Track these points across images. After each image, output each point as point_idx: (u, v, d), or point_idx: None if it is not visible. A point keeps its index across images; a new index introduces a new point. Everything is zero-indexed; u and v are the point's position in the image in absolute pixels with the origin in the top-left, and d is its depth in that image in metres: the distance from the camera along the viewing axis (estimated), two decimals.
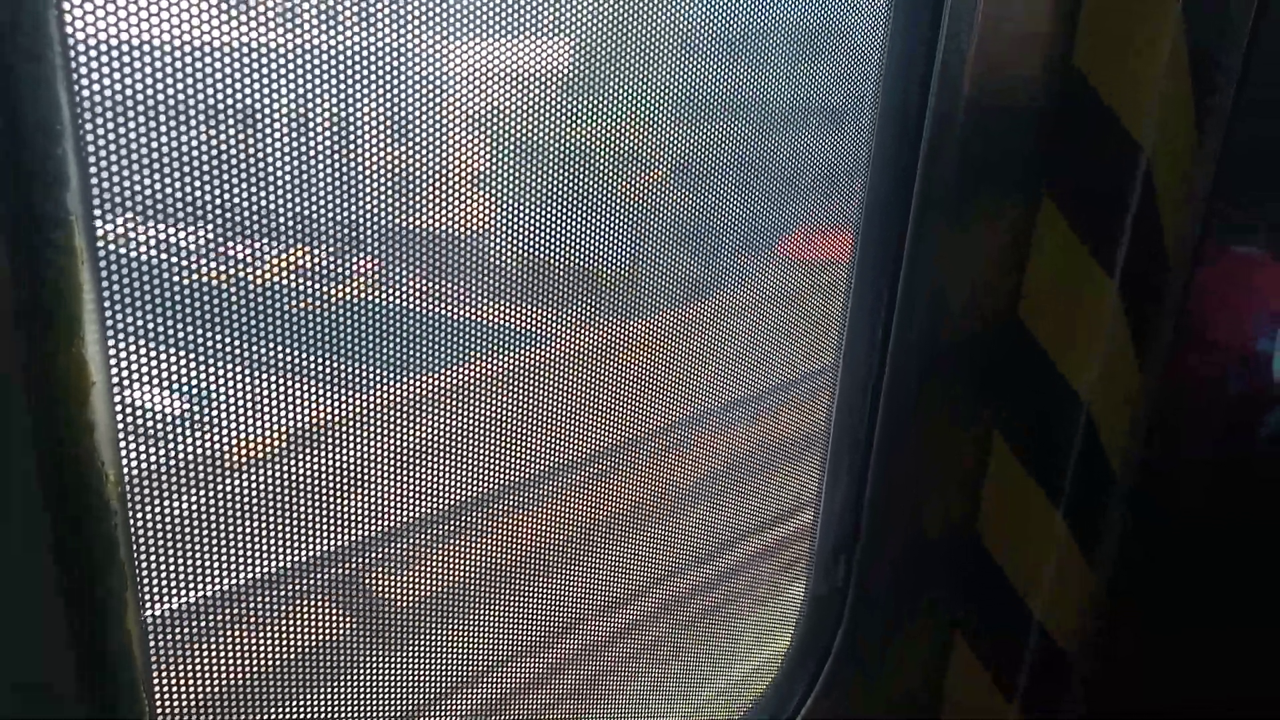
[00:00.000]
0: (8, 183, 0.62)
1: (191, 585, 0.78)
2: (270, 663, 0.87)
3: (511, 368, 1.04)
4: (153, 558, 0.75)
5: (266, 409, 0.80)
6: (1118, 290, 1.78)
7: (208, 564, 0.79)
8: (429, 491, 0.95)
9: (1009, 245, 1.74)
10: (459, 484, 0.99)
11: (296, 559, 0.86)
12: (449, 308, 0.93)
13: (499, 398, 1.03)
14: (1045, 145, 1.69)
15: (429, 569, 1.00)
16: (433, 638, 1.02)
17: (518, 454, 1.06)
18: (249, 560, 0.82)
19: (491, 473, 1.03)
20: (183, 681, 0.80)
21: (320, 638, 0.90)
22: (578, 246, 1.04)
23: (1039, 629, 1.97)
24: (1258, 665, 2.08)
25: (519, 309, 1.01)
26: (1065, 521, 1.90)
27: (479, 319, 0.96)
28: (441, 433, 0.96)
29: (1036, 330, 1.81)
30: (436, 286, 0.91)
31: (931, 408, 1.70)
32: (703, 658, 1.51)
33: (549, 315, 1.04)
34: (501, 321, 0.99)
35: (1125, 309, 1.81)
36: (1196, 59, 1.70)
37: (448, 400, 0.96)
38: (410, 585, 0.99)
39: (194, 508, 0.77)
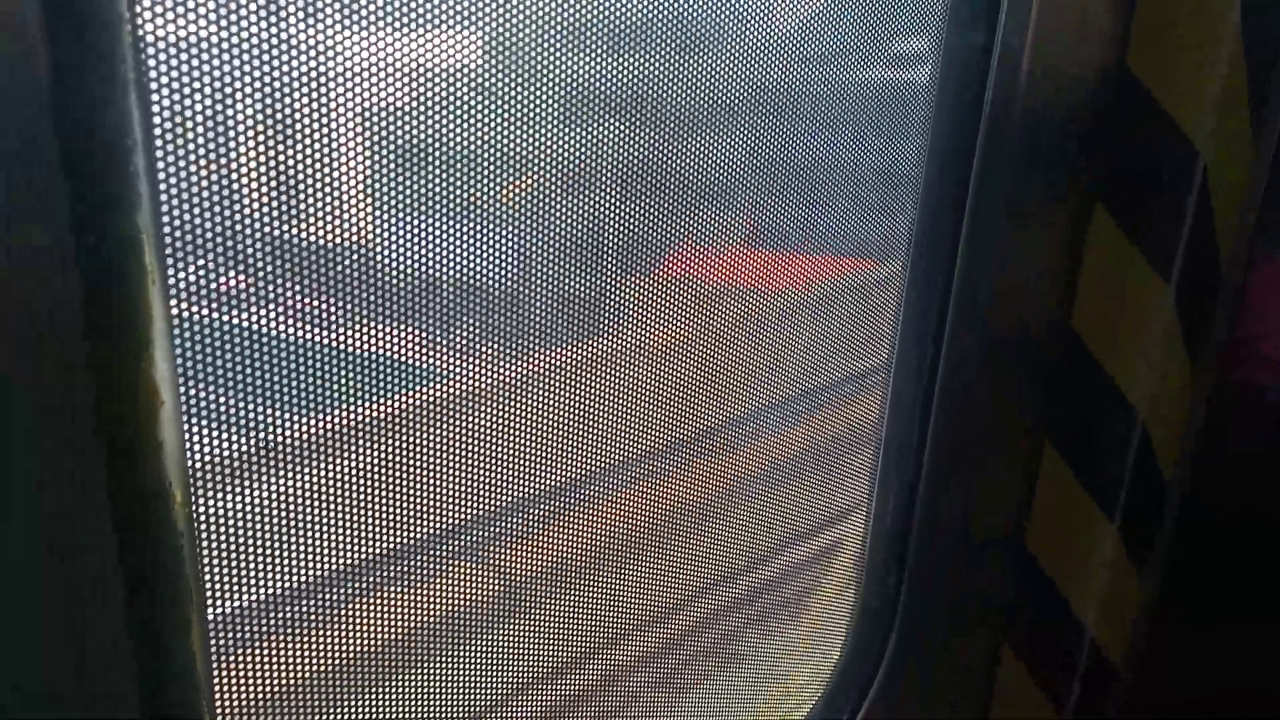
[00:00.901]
0: (79, 201, 0.61)
1: (257, 606, 0.78)
2: (336, 682, 0.86)
3: (561, 368, 1.03)
4: (219, 578, 0.75)
5: (336, 430, 0.79)
6: (1173, 297, 1.74)
7: (274, 584, 0.79)
8: (492, 504, 0.94)
9: (1062, 252, 1.71)
10: (525, 488, 0.98)
11: (364, 580, 0.85)
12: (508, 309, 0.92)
13: (549, 399, 1.02)
14: (1099, 150, 1.66)
15: (491, 581, 0.99)
16: (492, 649, 1.01)
17: (562, 460, 1.05)
18: (316, 581, 0.82)
19: (543, 477, 1.02)
20: (246, 702, 0.80)
21: (388, 660, 0.90)
22: (633, 240, 1.03)
23: (1090, 641, 1.94)
24: None
25: (568, 307, 1.00)
26: (1118, 532, 1.87)
27: (535, 317, 0.96)
28: (506, 437, 0.96)
29: (1089, 338, 1.78)
30: (497, 293, 0.91)
31: (983, 416, 1.68)
32: (753, 670, 1.49)
33: (599, 313, 1.03)
34: (548, 319, 0.98)
35: (1180, 316, 1.77)
36: (1254, 62, 1.67)
37: (517, 406, 0.95)
38: (469, 599, 0.98)
39: (261, 529, 0.77)
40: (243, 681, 0.80)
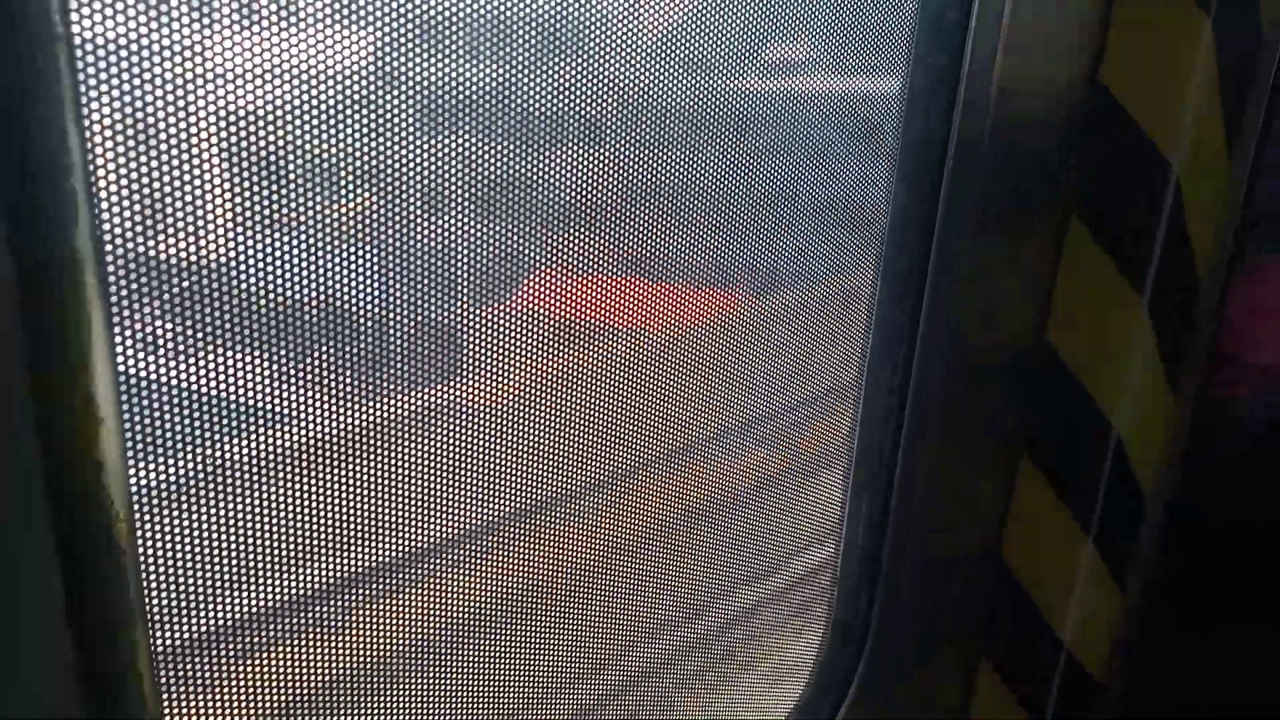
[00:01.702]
0: (17, 220, 0.61)
1: (202, 623, 0.77)
2: (283, 700, 0.85)
3: (518, 386, 1.02)
4: (163, 595, 0.74)
5: (277, 447, 0.79)
6: (1147, 309, 1.75)
7: (219, 602, 0.78)
8: (437, 518, 0.94)
9: (1037, 266, 1.71)
10: (461, 512, 0.97)
11: (308, 593, 0.85)
12: (458, 324, 0.92)
13: (503, 421, 1.01)
14: (1073, 164, 1.67)
15: (437, 597, 0.99)
16: (441, 666, 1.00)
17: (524, 482, 1.04)
18: (260, 597, 0.81)
19: (504, 497, 1.02)
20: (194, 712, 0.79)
21: (333, 673, 0.89)
22: (597, 258, 1.03)
23: (1067, 655, 1.94)
24: None
25: (524, 322, 0.99)
26: (1095, 546, 1.87)
27: (479, 337, 0.95)
28: (456, 452, 0.95)
29: (1065, 352, 1.78)
30: (450, 303, 0.90)
31: (957, 431, 1.68)
32: (724, 685, 1.49)
33: (564, 329, 1.03)
34: (504, 336, 0.98)
35: (1155, 328, 1.78)
36: (1226, 72, 1.67)
37: (435, 437, 0.95)
38: (418, 614, 0.97)
39: (205, 545, 0.76)
40: (190, 699, 0.79)
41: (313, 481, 0.82)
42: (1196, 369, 1.88)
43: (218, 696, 0.81)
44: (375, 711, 0.95)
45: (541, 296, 1.00)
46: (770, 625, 1.54)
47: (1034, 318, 1.74)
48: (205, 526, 0.77)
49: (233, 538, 0.78)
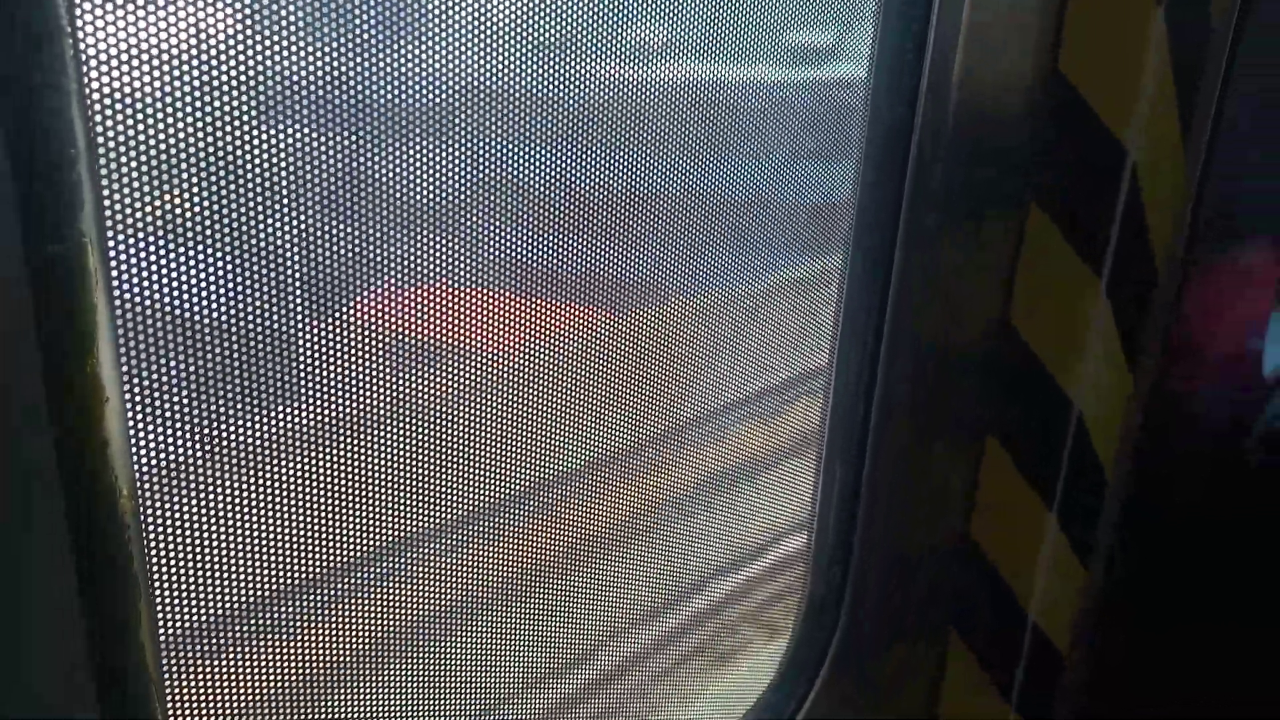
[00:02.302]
0: (24, 206, 0.63)
1: (207, 600, 0.80)
2: (287, 677, 0.88)
3: (490, 374, 1.05)
4: (167, 572, 0.77)
5: (282, 423, 0.81)
6: (1105, 292, 1.80)
7: (223, 578, 0.81)
8: (438, 503, 0.97)
9: (999, 250, 1.75)
10: (454, 498, 1.00)
11: (313, 571, 0.87)
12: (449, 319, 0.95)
13: (484, 403, 1.04)
14: (1033, 151, 1.71)
15: (444, 580, 1.01)
16: (444, 648, 1.03)
17: (502, 467, 1.07)
18: (265, 574, 0.84)
19: (485, 485, 1.05)
20: (197, 696, 0.81)
21: (340, 650, 0.92)
22: (569, 247, 1.06)
23: (1034, 629, 1.99)
24: (1250, 664, 2.09)
25: (495, 311, 1.02)
26: (1058, 523, 1.92)
27: (468, 325, 0.98)
28: (462, 430, 0.98)
29: (1028, 334, 1.83)
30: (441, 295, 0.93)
31: (925, 411, 1.72)
32: (698, 662, 1.52)
33: (535, 315, 1.05)
34: (477, 325, 1.00)
35: (1114, 311, 1.83)
36: (1179, 62, 1.72)
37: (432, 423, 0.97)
38: (425, 599, 1.00)
39: (209, 523, 0.79)
40: (194, 675, 0.81)
41: (322, 461, 0.85)
42: (1153, 352, 1.93)
43: (223, 672, 0.83)
44: (389, 691, 0.98)
45: (508, 286, 1.03)
46: (745, 604, 1.58)
47: (999, 303, 1.79)
48: (210, 505, 0.79)
49: (238, 517, 0.81)
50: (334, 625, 0.92)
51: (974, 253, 1.71)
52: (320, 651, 0.91)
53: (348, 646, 0.94)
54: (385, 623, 0.99)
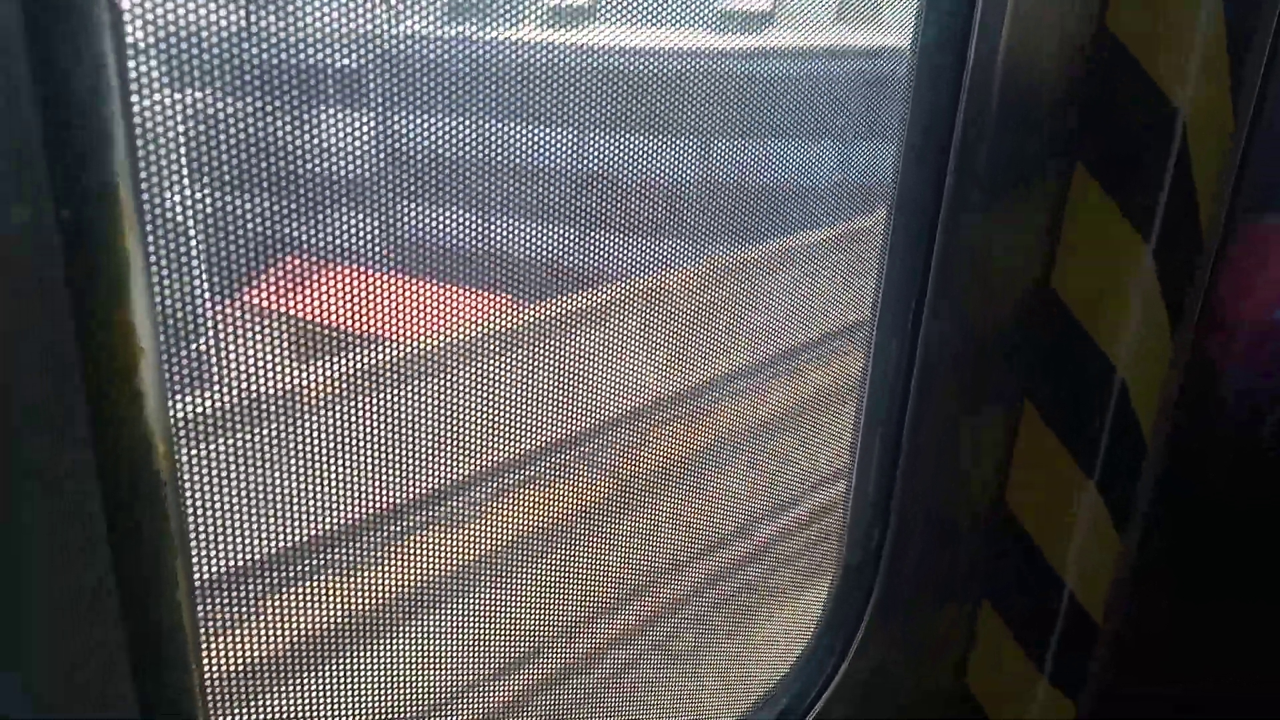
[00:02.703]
0: (54, 146, 0.60)
1: (245, 558, 0.77)
2: (326, 636, 0.86)
3: (539, 321, 1.02)
4: (205, 529, 0.74)
5: (321, 376, 0.78)
6: (1152, 255, 1.75)
7: (263, 536, 0.78)
8: (500, 450, 0.94)
9: (1043, 212, 1.71)
10: (521, 446, 0.98)
11: (354, 531, 0.85)
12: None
13: (523, 361, 1.01)
14: (1080, 109, 1.66)
15: (500, 536, 0.99)
16: (500, 610, 1.01)
17: (549, 419, 1.04)
18: (305, 533, 0.81)
19: (534, 438, 1.02)
20: (234, 654, 0.79)
21: (382, 612, 0.89)
22: (621, 192, 1.03)
23: (1070, 597, 1.96)
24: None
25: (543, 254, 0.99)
26: (1097, 489, 1.88)
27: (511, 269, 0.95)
28: (501, 389, 0.95)
29: (1070, 297, 1.78)
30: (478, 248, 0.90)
31: (963, 376, 1.69)
32: (735, 626, 1.50)
33: (583, 263, 1.02)
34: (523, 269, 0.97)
35: (1159, 274, 1.78)
36: (1232, 20, 1.67)
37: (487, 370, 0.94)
38: (466, 547, 0.98)
39: (250, 482, 0.76)
40: (230, 635, 0.79)
41: (371, 411, 0.82)
42: (1195, 315, 1.89)
43: (262, 634, 0.81)
44: (438, 647, 0.96)
45: (562, 226, 1.00)
46: (784, 567, 1.56)
47: (1040, 265, 1.75)
48: (250, 460, 0.76)
49: (279, 473, 0.78)
50: (379, 581, 0.89)
51: (1018, 215, 1.66)
52: (364, 609, 0.89)
53: (395, 603, 0.92)
54: (435, 576, 0.97)
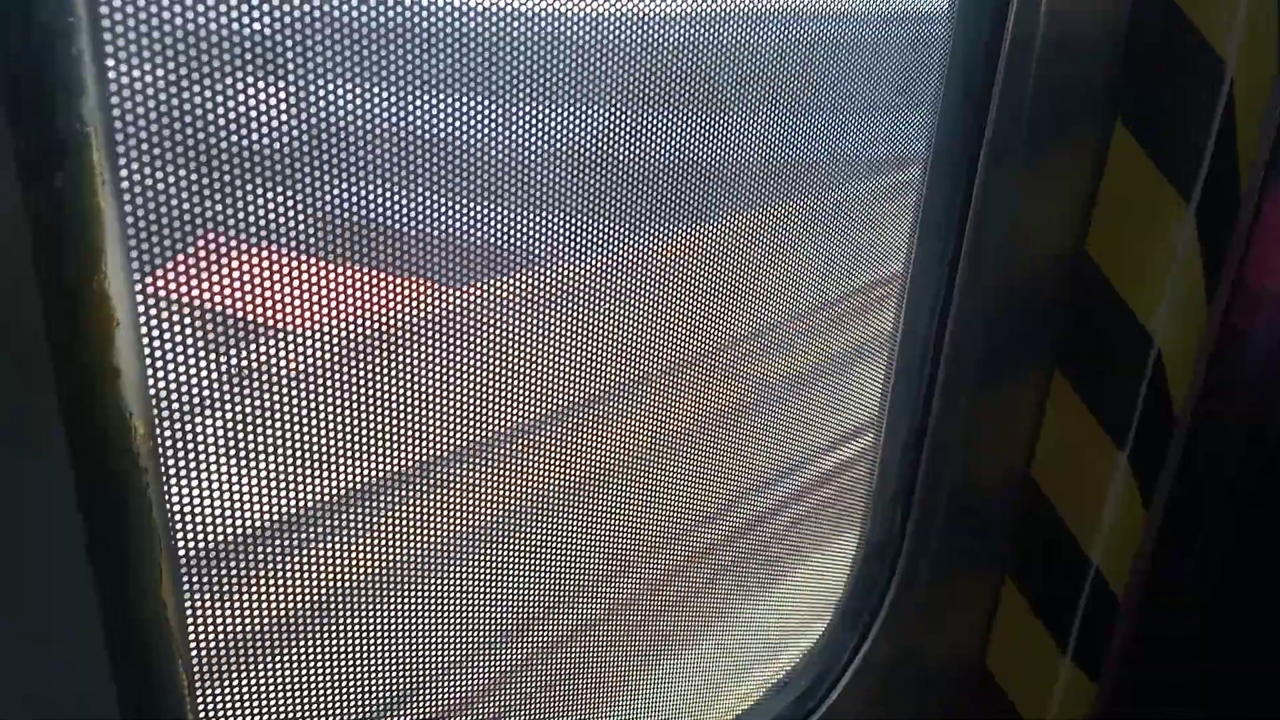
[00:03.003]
0: (17, 91, 0.52)
1: (235, 548, 0.71)
2: (323, 630, 0.79)
3: (564, 282, 0.95)
4: (189, 517, 0.67)
5: (315, 352, 0.71)
6: (1194, 219, 1.67)
7: (251, 523, 0.71)
8: (497, 425, 0.87)
9: (1081, 174, 1.63)
10: (501, 418, 0.91)
11: (349, 519, 0.78)
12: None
13: (541, 312, 0.94)
14: (1122, 64, 1.58)
15: (502, 517, 0.92)
16: (483, 593, 0.95)
17: (566, 376, 0.97)
18: (297, 521, 0.74)
19: (537, 396, 0.95)
20: (225, 652, 0.73)
21: (377, 606, 0.83)
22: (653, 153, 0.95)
23: (1095, 573, 1.90)
24: None
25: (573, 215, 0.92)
26: (1128, 462, 1.82)
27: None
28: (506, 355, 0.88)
29: (1105, 262, 1.71)
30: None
31: (994, 344, 1.61)
32: (758, 605, 1.44)
33: (610, 220, 0.95)
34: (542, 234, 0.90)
35: (1200, 239, 1.70)
36: None
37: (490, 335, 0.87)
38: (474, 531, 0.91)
39: (237, 464, 0.69)
40: (225, 632, 0.73)
41: (363, 385, 0.75)
42: (1231, 282, 1.81)
43: (252, 625, 0.74)
44: (429, 623, 0.89)
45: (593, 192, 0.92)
46: (810, 539, 1.50)
47: (1076, 229, 1.67)
48: (235, 439, 0.69)
49: (270, 459, 0.71)
50: (381, 567, 0.83)
51: (1056, 176, 1.59)
52: (364, 596, 0.83)
53: (393, 591, 0.85)
54: (438, 561, 0.90)
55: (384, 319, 0.78)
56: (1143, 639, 2.03)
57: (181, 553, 0.67)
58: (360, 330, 0.77)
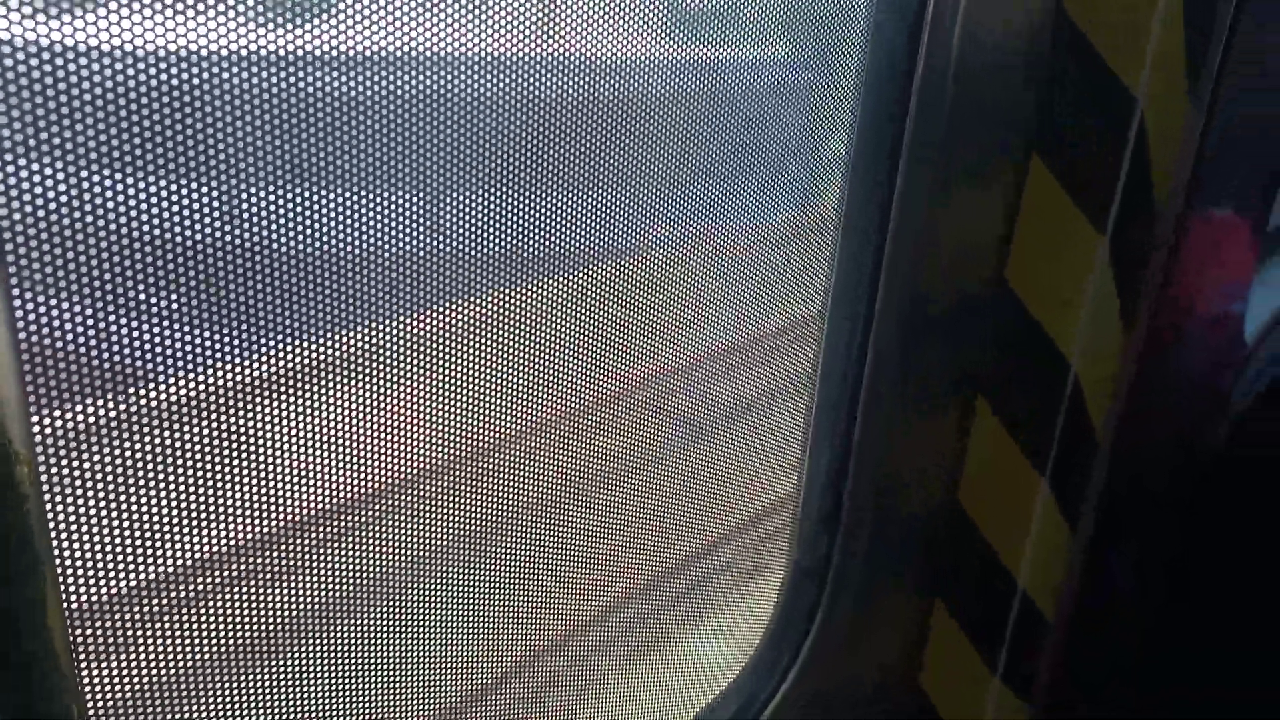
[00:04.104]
0: None
1: (123, 576, 0.70)
2: (220, 658, 0.78)
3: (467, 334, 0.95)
4: (76, 548, 0.67)
5: (204, 371, 0.71)
6: (1109, 249, 1.72)
7: (141, 550, 0.70)
8: (394, 459, 0.87)
9: (997, 205, 1.67)
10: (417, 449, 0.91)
11: (244, 540, 0.77)
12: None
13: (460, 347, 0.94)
14: (1036, 98, 1.62)
15: (389, 552, 0.92)
16: (386, 624, 0.94)
17: (487, 408, 0.98)
18: (190, 545, 0.73)
19: (467, 427, 0.95)
20: (117, 685, 0.71)
21: (276, 627, 0.82)
22: (565, 194, 0.96)
23: (1022, 596, 1.93)
24: (1238, 631, 2.06)
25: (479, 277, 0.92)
26: (1050, 487, 1.85)
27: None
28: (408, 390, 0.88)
29: (1023, 292, 1.75)
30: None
31: (916, 372, 1.65)
32: (682, 634, 1.45)
33: (531, 253, 0.96)
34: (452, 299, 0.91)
35: (1114, 269, 1.75)
36: (1190, 10, 1.64)
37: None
38: (371, 568, 0.91)
39: (122, 488, 0.68)
40: (116, 664, 0.72)
41: (258, 414, 0.75)
42: (1146, 310, 1.86)
43: (147, 662, 0.73)
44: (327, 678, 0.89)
45: (510, 233, 0.93)
46: (733, 568, 1.50)
47: (994, 258, 1.71)
48: (130, 467, 0.68)
49: (161, 480, 0.70)
50: (278, 597, 0.82)
51: (971, 207, 1.63)
52: (257, 625, 0.82)
53: (289, 618, 0.85)
54: (337, 585, 0.90)
55: (298, 339, 0.78)
56: (1076, 659, 2.07)
57: (71, 591, 0.66)
58: (270, 346, 0.76)
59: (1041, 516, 1.87)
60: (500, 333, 0.99)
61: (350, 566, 0.89)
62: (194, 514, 0.72)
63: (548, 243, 0.98)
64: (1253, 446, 2.12)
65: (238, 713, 0.80)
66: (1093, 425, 1.85)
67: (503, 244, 0.93)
